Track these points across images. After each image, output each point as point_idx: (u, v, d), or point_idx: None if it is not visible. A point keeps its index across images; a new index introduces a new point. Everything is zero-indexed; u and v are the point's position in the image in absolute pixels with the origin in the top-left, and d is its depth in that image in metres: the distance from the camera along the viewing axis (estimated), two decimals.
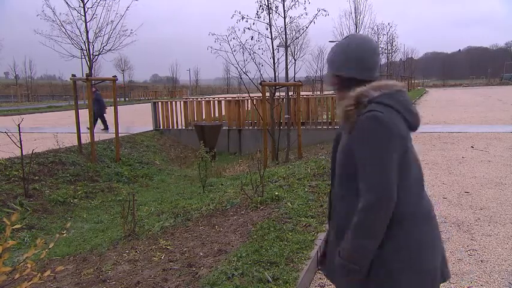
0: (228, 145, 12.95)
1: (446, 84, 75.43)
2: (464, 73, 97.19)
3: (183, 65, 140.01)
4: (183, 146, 12.88)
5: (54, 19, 9.63)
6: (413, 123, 1.48)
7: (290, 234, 3.69)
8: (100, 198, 7.40)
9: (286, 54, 10.79)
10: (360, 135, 1.42)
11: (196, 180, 7.56)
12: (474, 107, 20.24)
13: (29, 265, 1.81)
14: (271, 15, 9.41)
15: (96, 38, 9.68)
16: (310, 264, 3.16)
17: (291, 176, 5.97)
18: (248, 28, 9.12)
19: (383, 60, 33.57)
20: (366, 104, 1.45)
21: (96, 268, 3.51)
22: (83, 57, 10.02)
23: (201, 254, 3.53)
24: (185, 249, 3.68)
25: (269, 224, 3.94)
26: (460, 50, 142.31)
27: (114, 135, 9.62)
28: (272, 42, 9.50)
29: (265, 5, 9.37)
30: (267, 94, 8.87)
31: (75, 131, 9.19)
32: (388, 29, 31.03)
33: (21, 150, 6.73)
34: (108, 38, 9.90)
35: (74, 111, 9.32)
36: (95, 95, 13.97)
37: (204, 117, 13.48)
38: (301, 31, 12.46)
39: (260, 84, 8.35)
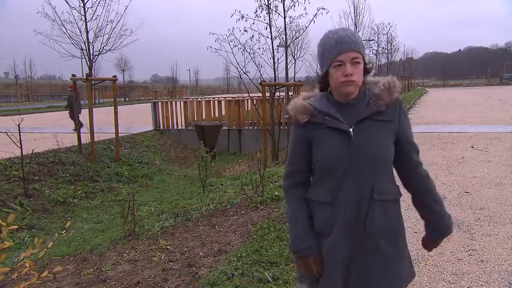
0: (228, 145, 12.95)
1: (446, 84, 75.42)
2: (464, 73, 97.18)
3: (183, 65, 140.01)
4: (183, 146, 12.88)
5: (54, 18, 9.62)
6: None
7: None
8: (100, 198, 7.41)
9: (286, 54, 10.80)
10: (406, 112, 1.61)
11: (196, 180, 7.56)
12: (474, 107, 20.24)
13: (27, 264, 1.81)
14: (271, 15, 9.41)
15: (96, 38, 9.67)
16: None
17: None
18: (247, 28, 9.12)
19: (383, 60, 33.59)
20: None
21: (96, 268, 3.51)
22: (83, 57, 10.01)
23: (201, 254, 3.53)
24: (185, 249, 3.68)
25: (269, 224, 3.94)
26: (460, 50, 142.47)
27: (114, 135, 9.62)
28: (272, 42, 9.50)
29: (264, 4, 9.38)
30: (267, 94, 8.87)
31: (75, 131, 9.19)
32: (388, 29, 31.02)
33: (21, 150, 6.73)
34: (108, 38, 9.89)
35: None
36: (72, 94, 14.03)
37: (204, 117, 13.48)
38: (301, 31, 12.46)
39: (260, 84, 8.35)
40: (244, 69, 9.16)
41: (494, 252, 3.52)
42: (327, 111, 1.52)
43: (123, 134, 11.31)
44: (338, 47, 1.46)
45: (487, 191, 5.42)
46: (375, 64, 28.44)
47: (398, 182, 1.63)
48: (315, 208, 1.59)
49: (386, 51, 32.24)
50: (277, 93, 10.19)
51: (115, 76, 9.73)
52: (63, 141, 9.49)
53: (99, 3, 9.39)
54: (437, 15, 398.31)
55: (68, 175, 7.89)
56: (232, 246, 3.61)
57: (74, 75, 9.19)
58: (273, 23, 9.53)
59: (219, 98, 15.69)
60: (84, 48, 9.52)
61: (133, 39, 10.78)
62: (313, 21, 9.90)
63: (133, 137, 11.92)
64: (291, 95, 12.36)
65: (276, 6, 9.55)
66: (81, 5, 9.21)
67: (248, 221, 4.21)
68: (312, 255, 1.57)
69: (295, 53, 23.97)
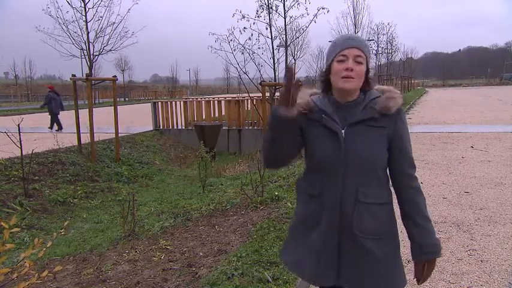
0: (228, 145, 12.95)
1: (446, 84, 75.43)
2: (464, 73, 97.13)
3: (183, 65, 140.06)
4: (183, 146, 12.88)
5: (58, 16, 9.63)
6: None
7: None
8: (100, 198, 7.41)
9: (286, 54, 10.79)
10: (406, 122, 1.60)
11: (196, 180, 7.56)
12: (474, 107, 20.24)
13: (27, 264, 1.81)
14: (271, 15, 9.42)
15: (97, 38, 9.67)
16: None
17: (291, 176, 5.97)
18: (248, 28, 9.12)
19: (383, 60, 33.57)
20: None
21: (96, 268, 3.51)
22: (83, 57, 10.01)
23: (201, 254, 3.53)
24: (185, 249, 3.68)
25: (269, 224, 3.94)
26: (460, 50, 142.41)
27: (114, 135, 9.62)
28: (272, 42, 9.51)
29: (265, 4, 9.38)
30: (267, 94, 8.87)
31: (75, 131, 9.19)
32: (387, 29, 31.00)
33: (21, 150, 6.73)
34: (109, 39, 9.90)
35: (73, 111, 9.32)
36: (52, 94, 14.19)
37: (204, 117, 13.48)
38: (301, 31, 12.46)
39: (260, 84, 8.35)
40: (244, 69, 9.17)
41: (494, 252, 3.52)
42: (325, 110, 1.56)
43: (123, 134, 11.32)
44: (345, 43, 1.52)
45: (487, 191, 5.42)
46: (375, 64, 28.43)
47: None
48: (303, 198, 1.64)
49: (386, 51, 32.23)
50: (277, 93, 10.18)
51: (115, 76, 9.73)
52: (63, 141, 9.49)
53: (100, 4, 9.40)
54: (437, 15, 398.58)
55: (67, 175, 7.89)
56: (232, 246, 3.61)
57: (74, 75, 9.19)
58: (273, 23, 9.55)
59: (219, 98, 15.69)
60: (85, 48, 9.53)
61: (133, 41, 10.79)
62: (313, 21, 9.91)
63: (133, 137, 11.92)
64: None
65: (277, 6, 9.57)
66: (82, 5, 9.22)
67: (248, 221, 4.22)
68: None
69: (295, 53, 24.00)
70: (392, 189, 1.62)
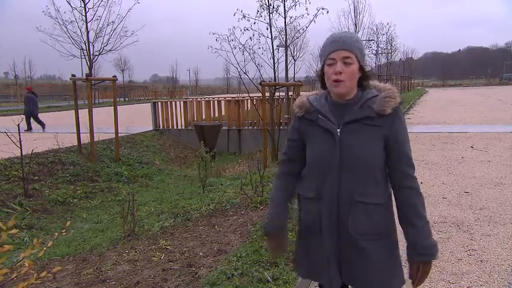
0: (227, 145, 12.95)
1: (446, 84, 75.44)
2: (464, 73, 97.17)
3: (183, 65, 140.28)
4: (183, 146, 12.88)
5: (57, 16, 9.63)
6: None
7: (290, 234, 3.68)
8: (100, 198, 7.40)
9: (286, 54, 10.81)
10: (404, 121, 1.58)
11: (196, 180, 7.56)
12: (474, 107, 20.25)
13: (26, 264, 1.81)
14: (271, 14, 9.42)
15: (97, 38, 9.67)
16: None
17: None
18: (248, 28, 9.12)
19: (382, 60, 33.57)
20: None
21: (96, 268, 3.51)
22: (83, 57, 10.01)
23: (201, 254, 3.53)
24: (185, 249, 3.68)
25: None
26: (459, 50, 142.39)
27: (113, 135, 9.62)
28: (272, 42, 9.50)
29: (265, 4, 9.38)
30: (267, 94, 8.87)
31: (75, 131, 9.19)
32: (387, 29, 31.00)
33: (21, 150, 6.73)
34: (109, 39, 9.89)
35: (73, 111, 9.32)
36: (31, 95, 14.32)
37: (203, 117, 13.48)
38: (301, 31, 12.45)
39: (260, 84, 8.35)
40: (244, 69, 9.17)
41: (494, 252, 3.52)
42: (320, 109, 1.56)
43: (122, 134, 11.31)
44: (332, 45, 1.53)
45: (486, 191, 5.42)
46: (375, 64, 28.43)
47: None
48: (302, 202, 1.67)
49: (386, 51, 32.24)
50: (277, 93, 10.19)
51: (115, 76, 9.73)
52: (63, 141, 9.48)
53: (100, 4, 9.39)
54: (437, 16, 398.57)
55: (67, 175, 7.89)
56: (232, 246, 3.61)
57: (73, 75, 9.18)
58: (274, 23, 9.55)
59: (218, 98, 15.69)
60: (85, 48, 9.52)
61: (133, 40, 10.78)
62: (313, 21, 9.91)
63: (133, 137, 11.92)
64: (291, 95, 12.38)
65: (278, 6, 9.57)
66: (82, 5, 9.22)
67: (248, 221, 4.22)
68: (276, 233, 1.69)
69: (295, 53, 23.99)
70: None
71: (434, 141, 9.78)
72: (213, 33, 8.96)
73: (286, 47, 10.79)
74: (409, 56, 52.16)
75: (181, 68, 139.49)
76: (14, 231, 1.82)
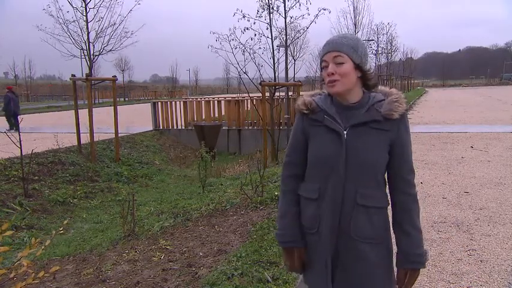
0: (227, 145, 12.95)
1: (445, 84, 75.45)
2: (464, 73, 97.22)
3: (183, 65, 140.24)
4: (183, 146, 12.88)
5: (58, 16, 9.62)
6: None
7: None
8: (99, 198, 7.40)
9: (286, 54, 10.79)
10: (409, 127, 1.58)
11: (196, 180, 7.56)
12: (474, 107, 20.25)
13: (24, 263, 1.81)
14: (272, 15, 9.41)
15: (98, 38, 9.67)
16: None
17: None
18: (249, 28, 9.12)
19: (382, 60, 33.56)
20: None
21: (96, 268, 3.51)
22: (83, 57, 10.01)
23: (201, 254, 3.53)
24: (185, 249, 3.68)
25: (269, 224, 3.94)
26: (459, 50, 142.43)
27: (113, 135, 9.62)
28: (272, 42, 9.50)
29: (266, 4, 9.38)
30: (267, 94, 8.87)
31: (75, 131, 9.19)
32: (387, 29, 30.98)
33: (21, 150, 6.73)
34: (109, 39, 9.89)
35: (73, 111, 9.33)
36: (10, 94, 14.33)
37: (203, 117, 13.48)
38: (302, 31, 12.45)
39: (260, 84, 8.35)
40: (244, 69, 9.16)
41: (493, 252, 3.52)
42: (327, 110, 1.56)
43: (122, 134, 11.31)
44: (323, 49, 1.56)
45: (486, 191, 5.42)
46: (375, 64, 28.42)
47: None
48: (303, 203, 1.64)
49: (386, 51, 32.22)
50: (277, 93, 10.19)
51: (115, 76, 9.73)
52: (63, 141, 9.49)
53: (101, 4, 9.40)
54: (437, 16, 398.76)
55: (67, 175, 7.89)
56: (232, 246, 3.61)
57: (73, 75, 9.19)
58: (274, 23, 9.55)
59: (218, 98, 15.69)
60: (85, 48, 9.52)
61: (134, 41, 10.79)
62: (314, 22, 9.90)
63: (133, 137, 11.92)
64: (291, 95, 12.37)
65: (278, 6, 9.57)
66: (83, 5, 9.22)
67: (248, 221, 4.22)
68: (297, 248, 1.63)
69: (295, 53, 23.99)
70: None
71: (434, 141, 9.78)
72: (213, 33, 8.97)
73: (287, 47, 10.78)
74: (409, 56, 52.15)
75: (181, 68, 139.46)
76: (8, 233, 1.82)
